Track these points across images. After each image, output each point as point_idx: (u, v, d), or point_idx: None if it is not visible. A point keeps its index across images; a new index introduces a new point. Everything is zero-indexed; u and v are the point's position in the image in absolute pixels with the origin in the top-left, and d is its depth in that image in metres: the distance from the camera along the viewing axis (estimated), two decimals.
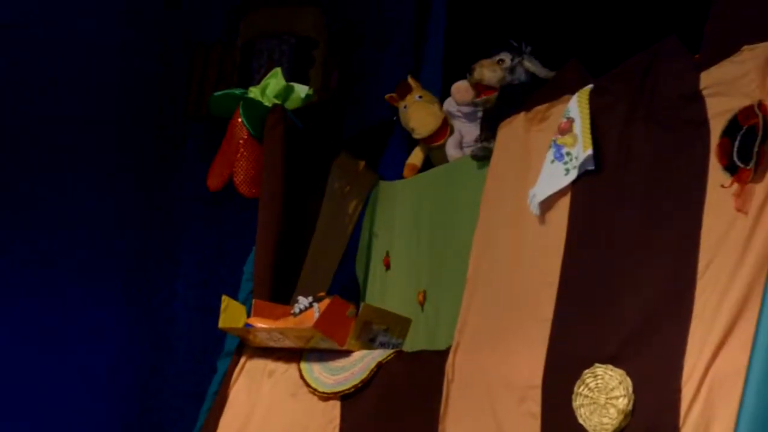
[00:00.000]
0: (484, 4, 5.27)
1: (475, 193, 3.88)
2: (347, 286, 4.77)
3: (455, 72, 4.49)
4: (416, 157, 4.60)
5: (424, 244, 4.37)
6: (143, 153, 6.17)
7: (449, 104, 4.47)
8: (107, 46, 6.04)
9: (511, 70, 4.09)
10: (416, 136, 4.53)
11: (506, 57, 4.12)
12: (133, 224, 6.11)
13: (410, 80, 4.61)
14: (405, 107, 4.55)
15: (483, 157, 3.99)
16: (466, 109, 4.36)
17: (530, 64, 4.07)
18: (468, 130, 4.34)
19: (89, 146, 5.96)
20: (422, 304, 4.30)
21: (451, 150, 4.43)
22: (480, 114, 4.23)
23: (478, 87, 4.17)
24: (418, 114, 4.50)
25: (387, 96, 4.64)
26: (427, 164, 4.60)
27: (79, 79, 5.92)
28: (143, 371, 6.14)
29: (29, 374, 5.70)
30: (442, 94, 4.97)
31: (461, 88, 4.31)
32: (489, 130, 3.98)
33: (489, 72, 4.12)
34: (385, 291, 4.57)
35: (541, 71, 4.06)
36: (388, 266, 4.58)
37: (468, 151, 4.23)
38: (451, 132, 4.48)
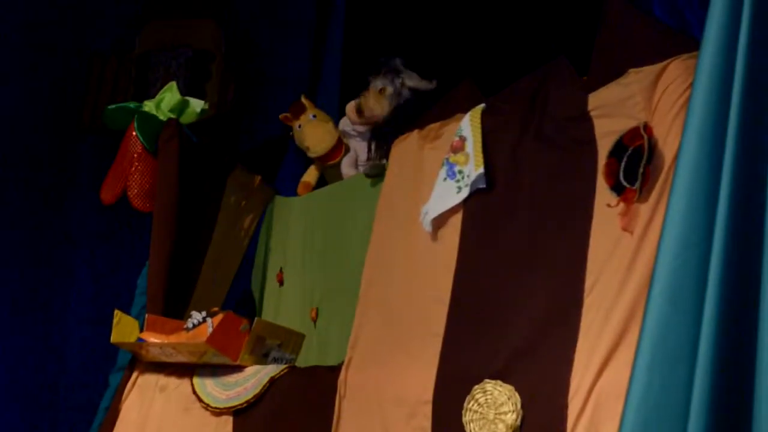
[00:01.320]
0: (381, 18, 5.31)
1: (368, 210, 3.91)
2: (242, 301, 4.76)
3: (353, 85, 4.52)
4: (311, 175, 4.62)
5: (317, 261, 4.38)
6: (37, 165, 6.09)
7: (344, 123, 4.49)
8: (1, 56, 5.96)
9: (396, 94, 4.13)
10: (311, 154, 4.54)
11: (387, 84, 4.15)
12: (27, 236, 6.03)
13: (304, 100, 4.62)
14: (300, 126, 4.56)
15: (375, 174, 4.02)
16: (361, 128, 4.39)
17: (411, 82, 4.11)
18: (363, 149, 4.37)
19: None
20: (315, 321, 4.31)
21: (346, 169, 4.45)
22: None
23: (370, 120, 4.22)
24: (313, 132, 4.52)
25: (281, 116, 4.65)
26: (322, 183, 4.61)
27: None
28: (35, 384, 6.06)
29: None
30: (339, 106, 4.99)
31: (355, 108, 4.33)
32: (380, 148, 4.01)
33: (377, 106, 4.17)
34: (279, 307, 4.57)
35: (422, 84, 4.11)
36: (281, 282, 4.58)
37: (362, 169, 4.26)
38: (347, 151, 4.50)
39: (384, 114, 4.15)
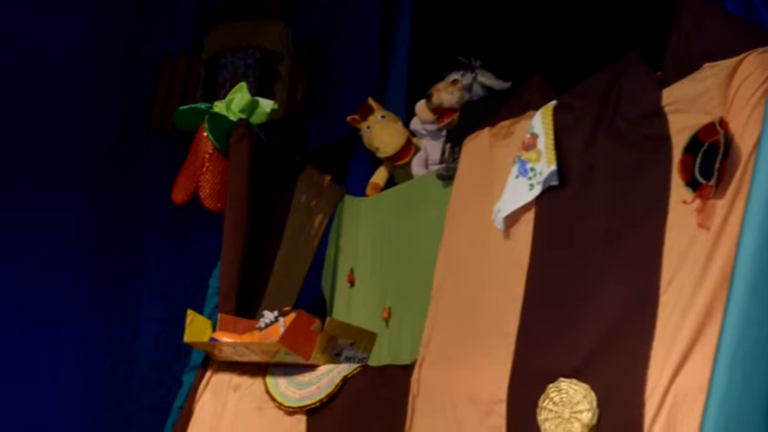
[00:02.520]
0: (450, 18, 5.30)
1: (440, 209, 3.90)
2: (313, 301, 4.77)
3: (421, 85, 4.51)
4: (380, 176, 4.62)
5: (388, 261, 4.38)
6: (108, 166, 6.14)
7: (415, 123, 4.49)
8: (73, 59, 6.02)
9: (468, 88, 4.11)
10: (381, 155, 4.55)
11: (459, 76, 4.14)
12: (99, 238, 6.08)
13: (371, 102, 4.62)
14: (368, 128, 4.56)
15: (448, 177, 4.01)
16: (431, 127, 4.38)
17: (485, 79, 4.10)
18: (433, 148, 4.36)
19: (53, 160, 5.93)
20: (387, 321, 4.31)
21: (417, 168, 4.44)
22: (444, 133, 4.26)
23: (438, 111, 4.21)
24: (382, 133, 4.52)
25: (349, 118, 4.66)
26: (391, 183, 4.61)
27: (44, 91, 5.90)
28: (108, 385, 6.11)
29: None
30: (407, 106, 5.00)
31: (424, 107, 4.33)
32: (453, 150, 4.00)
33: (446, 95, 4.16)
34: (350, 306, 4.58)
35: (496, 83, 4.09)
36: (352, 283, 4.59)
37: (433, 169, 4.25)
38: (416, 150, 4.50)
39: (453, 104, 4.14)
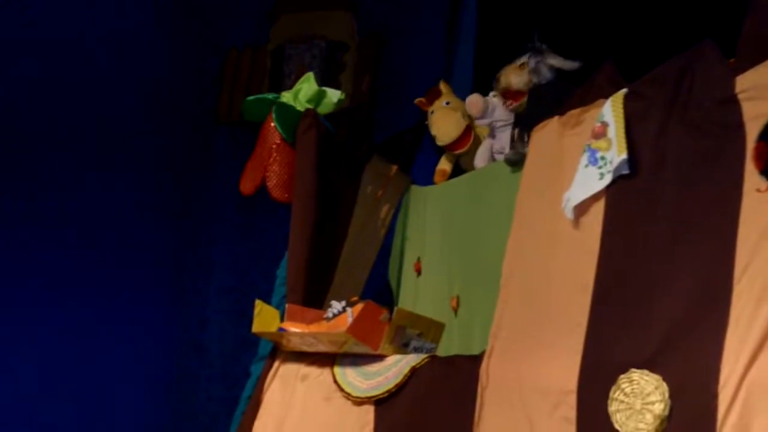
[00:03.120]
0: (516, 5, 5.27)
1: (508, 197, 3.88)
2: (380, 290, 4.77)
3: (487, 72, 4.48)
4: (445, 162, 4.60)
5: (456, 251, 4.36)
6: (175, 158, 6.19)
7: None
8: (139, 53, 6.07)
9: (536, 71, 4.08)
10: (438, 143, 4.53)
11: (527, 59, 4.11)
12: (166, 229, 6.13)
13: (441, 85, 4.60)
14: (432, 112, 4.54)
15: (516, 162, 3.98)
16: (484, 121, 4.34)
17: (553, 61, 4.06)
18: (498, 139, 4.33)
19: (121, 153, 5.99)
20: (455, 310, 4.29)
21: (479, 161, 4.40)
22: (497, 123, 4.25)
23: (507, 94, 4.17)
24: (441, 121, 4.49)
25: (417, 100, 4.64)
26: (458, 170, 4.59)
27: (111, 86, 5.95)
28: (176, 375, 6.16)
29: (59, 376, 5.73)
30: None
31: (472, 102, 4.30)
32: (522, 135, 3.97)
33: (515, 78, 4.13)
34: (418, 296, 4.57)
35: (565, 64, 4.06)
36: (419, 272, 4.57)
37: (499, 158, 4.22)
38: (475, 139, 4.46)
39: (521, 87, 4.12)
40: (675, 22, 4.50)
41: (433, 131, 4.51)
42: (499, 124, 4.33)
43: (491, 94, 4.33)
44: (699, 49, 3.33)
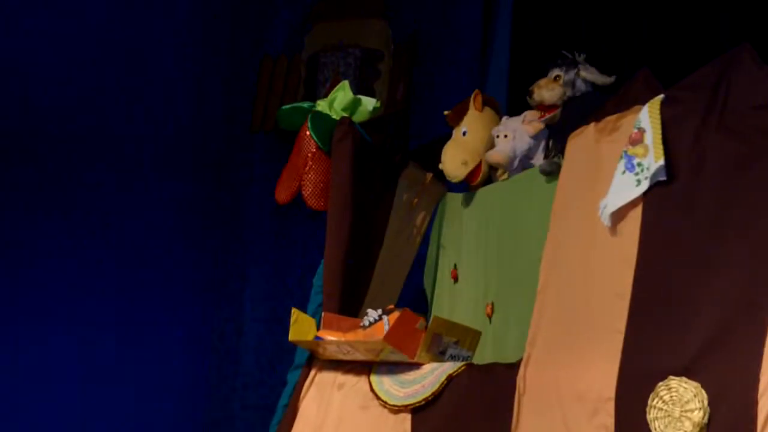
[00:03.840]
0: (551, 13, 5.26)
1: (544, 204, 3.87)
2: (415, 298, 4.76)
3: (522, 82, 4.47)
4: None
5: (492, 256, 4.35)
6: (211, 166, 6.21)
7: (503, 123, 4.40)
8: (174, 61, 6.10)
9: (570, 83, 4.07)
10: (447, 178, 4.51)
11: (562, 72, 4.09)
12: (203, 237, 6.15)
13: (473, 101, 4.50)
14: (464, 132, 4.49)
15: (550, 172, 3.97)
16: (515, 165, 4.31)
17: (587, 74, 4.05)
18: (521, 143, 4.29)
19: (157, 162, 6.02)
20: (490, 317, 4.28)
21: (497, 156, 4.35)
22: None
23: (541, 108, 4.16)
24: (448, 158, 4.40)
25: (445, 113, 4.60)
26: None
27: (147, 94, 5.98)
28: (212, 383, 6.17)
29: (93, 384, 5.75)
30: (507, 105, 4.96)
31: (495, 160, 4.27)
32: (557, 145, 3.95)
33: (547, 92, 4.11)
34: (454, 303, 4.56)
35: (600, 78, 4.04)
36: (456, 279, 4.56)
37: (526, 162, 4.21)
38: (485, 173, 4.42)
39: (554, 101, 4.10)
40: (712, 27, 4.48)
41: (441, 166, 4.49)
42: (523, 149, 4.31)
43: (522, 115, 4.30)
44: (736, 53, 3.32)
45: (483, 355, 4.14)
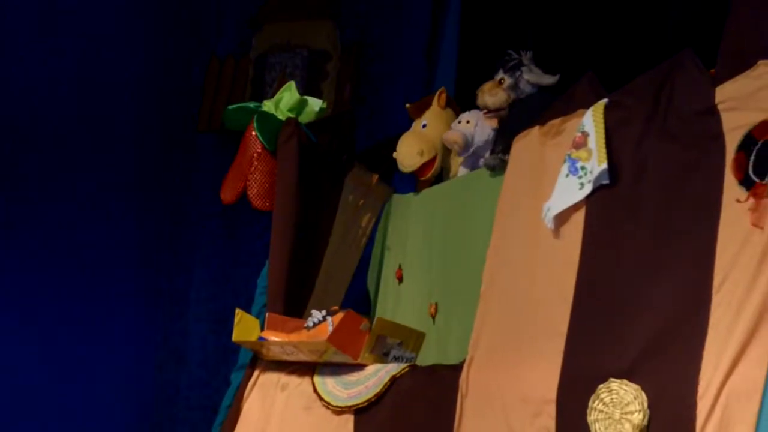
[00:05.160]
0: (498, 14, 5.27)
1: (489, 206, 3.88)
2: (360, 299, 4.76)
3: (470, 82, 4.47)
4: None
5: (438, 257, 4.36)
6: (156, 166, 6.18)
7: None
8: (122, 58, 6.06)
9: (513, 87, 4.08)
10: (399, 167, 4.51)
11: (506, 76, 4.10)
12: (147, 237, 6.11)
13: (436, 98, 4.50)
14: (424, 125, 4.50)
15: (495, 167, 3.98)
16: (471, 150, 4.32)
17: (530, 76, 4.06)
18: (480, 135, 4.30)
19: (102, 160, 5.97)
20: (434, 317, 4.29)
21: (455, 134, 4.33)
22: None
23: (486, 113, 4.18)
24: (404, 147, 4.43)
25: (407, 105, 4.60)
26: None
27: (93, 92, 5.94)
28: (156, 384, 6.14)
29: (39, 383, 5.71)
30: (456, 102, 4.96)
31: (451, 140, 4.26)
32: (504, 141, 3.96)
33: (490, 98, 4.12)
34: (398, 304, 4.56)
35: (543, 79, 4.05)
36: (400, 279, 4.57)
37: (482, 162, 4.22)
38: (438, 168, 4.43)
39: (497, 106, 4.11)
40: (655, 33, 4.51)
41: (395, 154, 4.49)
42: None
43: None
44: (679, 59, 3.34)
45: (427, 355, 4.15)
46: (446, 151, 4.44)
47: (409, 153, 4.44)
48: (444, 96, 4.51)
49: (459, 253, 4.21)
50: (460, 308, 4.05)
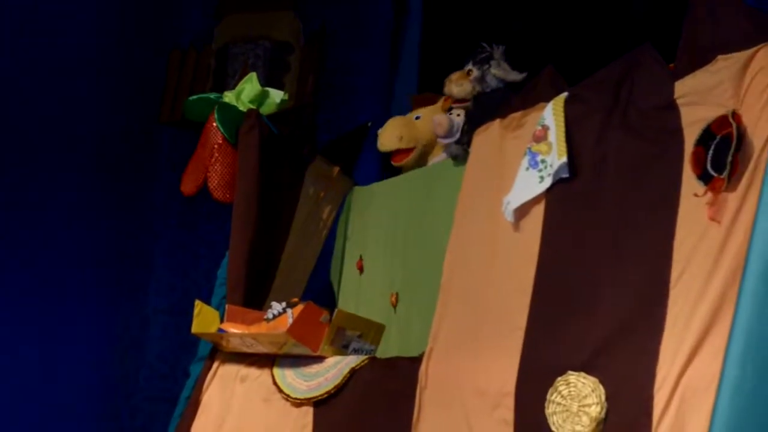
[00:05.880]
0: (461, 7, 5.28)
1: (451, 197, 3.89)
2: (321, 291, 4.76)
3: (432, 75, 4.48)
4: None
5: (399, 247, 4.36)
6: (117, 156, 6.14)
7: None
8: (82, 48, 6.01)
9: (479, 80, 4.08)
10: (378, 146, 4.53)
11: (474, 68, 4.11)
12: (107, 228, 6.08)
13: (443, 100, 4.51)
14: (417, 117, 4.51)
15: (457, 156, 3.99)
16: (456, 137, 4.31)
17: (497, 71, 4.06)
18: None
19: (62, 150, 5.92)
20: (395, 306, 4.30)
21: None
22: None
23: (451, 102, 4.18)
24: (389, 128, 4.46)
25: (412, 96, 4.62)
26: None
27: (53, 83, 5.89)
28: (115, 375, 6.11)
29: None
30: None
31: (438, 122, 4.26)
32: (468, 133, 3.97)
33: (456, 87, 4.13)
34: (359, 295, 4.57)
35: (510, 75, 4.05)
36: (361, 270, 4.57)
37: (445, 151, 4.22)
38: (413, 160, 4.44)
39: (462, 96, 4.12)
40: (615, 27, 4.53)
41: (380, 131, 4.51)
42: None
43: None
44: (639, 53, 3.36)
45: (388, 345, 4.16)
46: (426, 150, 4.45)
47: (390, 135, 4.46)
48: (449, 102, 4.52)
49: (421, 242, 4.22)
50: (422, 298, 4.06)
